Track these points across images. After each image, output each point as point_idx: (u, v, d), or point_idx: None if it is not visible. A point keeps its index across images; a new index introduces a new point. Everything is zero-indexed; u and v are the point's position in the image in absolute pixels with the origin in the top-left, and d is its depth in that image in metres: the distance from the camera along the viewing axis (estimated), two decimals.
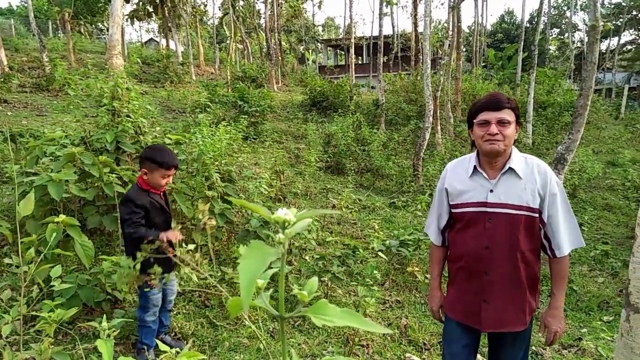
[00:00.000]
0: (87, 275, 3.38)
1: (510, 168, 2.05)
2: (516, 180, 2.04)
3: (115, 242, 4.29)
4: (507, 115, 2.02)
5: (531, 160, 2.11)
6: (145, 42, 44.54)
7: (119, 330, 1.98)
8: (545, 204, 2.03)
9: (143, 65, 16.98)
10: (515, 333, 2.14)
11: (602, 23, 5.67)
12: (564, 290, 2.16)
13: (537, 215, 2.04)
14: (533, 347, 3.97)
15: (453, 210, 2.20)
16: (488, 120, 2.03)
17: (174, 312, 3.71)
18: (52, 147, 4.42)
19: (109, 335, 1.67)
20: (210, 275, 3.95)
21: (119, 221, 2.92)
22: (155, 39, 43.01)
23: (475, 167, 2.13)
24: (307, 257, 4.66)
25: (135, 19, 22.72)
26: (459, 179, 2.18)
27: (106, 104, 4.77)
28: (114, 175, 4.10)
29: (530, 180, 2.03)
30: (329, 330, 3.75)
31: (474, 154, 2.19)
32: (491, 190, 2.07)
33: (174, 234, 2.80)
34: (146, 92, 12.95)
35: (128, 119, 4.83)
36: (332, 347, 3.45)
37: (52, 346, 1.93)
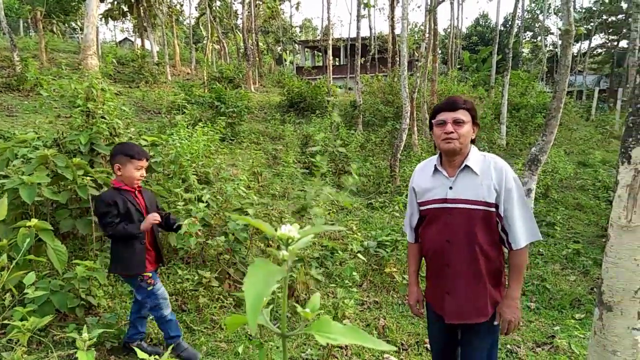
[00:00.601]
0: (60, 281, 3.30)
1: (466, 165, 2.16)
2: (473, 177, 2.16)
3: (89, 246, 4.20)
4: (463, 115, 2.15)
5: (489, 158, 2.22)
6: (120, 42, 43.81)
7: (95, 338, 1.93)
8: (501, 198, 2.12)
9: (117, 65, 16.69)
10: (479, 325, 2.22)
11: (575, 27, 5.80)
12: (520, 282, 2.23)
13: (494, 209, 2.14)
14: (508, 345, 4.04)
15: (420, 208, 2.34)
16: (445, 120, 2.16)
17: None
18: (24, 149, 4.31)
19: (94, 348, 1.63)
20: (187, 279, 3.91)
21: (99, 223, 2.87)
22: (130, 38, 42.34)
23: (435, 166, 2.26)
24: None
25: (109, 18, 22.33)
26: (424, 178, 2.32)
27: (80, 105, 4.67)
28: (88, 177, 4.02)
29: (487, 176, 2.14)
30: (307, 333, 3.73)
31: (437, 156, 2.32)
32: (450, 187, 2.19)
33: (153, 217, 2.80)
34: (120, 93, 12.74)
35: (103, 120, 4.74)
36: (311, 349, 3.45)
37: (26, 355, 1.87)
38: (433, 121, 2.24)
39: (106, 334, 3.15)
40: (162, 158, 5.07)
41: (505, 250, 2.27)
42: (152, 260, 3.05)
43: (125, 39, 45.77)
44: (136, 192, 3.00)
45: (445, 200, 2.20)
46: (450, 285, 2.22)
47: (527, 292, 5.55)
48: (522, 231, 2.15)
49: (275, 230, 0.85)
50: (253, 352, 3.37)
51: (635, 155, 2.22)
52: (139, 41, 26.89)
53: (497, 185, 2.12)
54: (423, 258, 2.47)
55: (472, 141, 2.26)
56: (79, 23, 25.97)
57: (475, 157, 2.20)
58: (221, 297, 3.98)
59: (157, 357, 1.94)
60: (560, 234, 7.82)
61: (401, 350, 3.76)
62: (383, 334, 4.00)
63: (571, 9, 5.58)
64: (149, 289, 2.92)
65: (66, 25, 27.25)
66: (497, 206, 2.14)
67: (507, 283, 2.28)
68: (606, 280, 2.37)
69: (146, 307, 3.01)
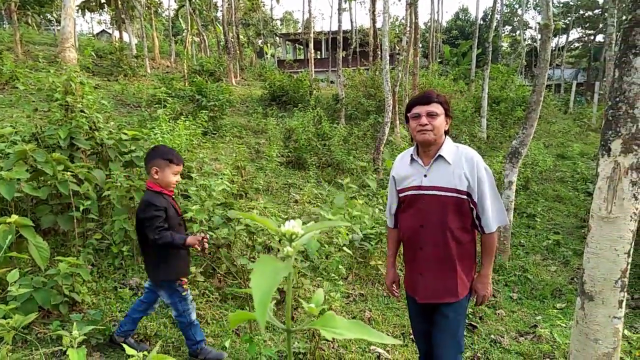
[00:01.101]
0: (42, 278, 3.24)
1: (440, 155, 2.33)
2: (446, 166, 2.32)
3: (71, 242, 4.14)
4: (436, 108, 2.32)
5: (462, 149, 2.38)
6: (97, 34, 42.96)
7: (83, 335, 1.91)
8: (473, 187, 2.28)
9: (96, 58, 16.37)
10: (447, 305, 2.37)
11: (553, 22, 5.88)
12: (491, 261, 2.43)
13: (465, 197, 2.30)
14: (492, 336, 4.11)
15: (399, 195, 2.50)
16: (419, 113, 2.33)
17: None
18: (1, 144, 4.22)
19: (80, 344, 1.61)
20: None
21: (148, 227, 2.74)
22: (108, 30, 41.57)
23: (412, 155, 2.44)
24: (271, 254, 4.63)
25: (86, 10, 21.89)
26: (403, 167, 2.50)
27: (59, 99, 4.58)
28: (68, 172, 3.95)
29: (458, 166, 2.30)
30: (294, 326, 3.75)
31: (414, 147, 2.51)
32: (425, 175, 2.36)
33: (201, 237, 2.78)
34: (99, 86, 12.50)
35: (82, 114, 4.66)
36: (298, 342, 3.46)
37: (10, 354, 1.84)
38: (409, 114, 2.41)
39: (91, 330, 3.11)
40: (144, 152, 5.00)
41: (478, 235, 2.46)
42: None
43: (103, 31, 44.90)
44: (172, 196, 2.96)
45: (420, 187, 2.36)
46: (423, 267, 2.38)
47: (510, 283, 5.65)
48: (493, 217, 2.33)
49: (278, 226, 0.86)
50: (240, 347, 3.37)
51: (614, 148, 2.27)
52: (116, 33, 26.42)
53: (468, 175, 2.28)
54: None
55: (446, 132, 2.41)
56: (54, 15, 25.36)
57: (449, 148, 2.37)
58: (207, 292, 3.96)
59: (145, 353, 1.93)
60: (541, 225, 7.97)
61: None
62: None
63: (550, 4, 5.65)
64: (183, 293, 2.90)
65: (42, 17, 26.59)
66: (468, 194, 2.29)
67: (479, 264, 2.46)
68: (587, 270, 2.42)
69: (178, 311, 2.96)
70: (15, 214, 3.34)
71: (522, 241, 7.14)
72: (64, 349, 2.78)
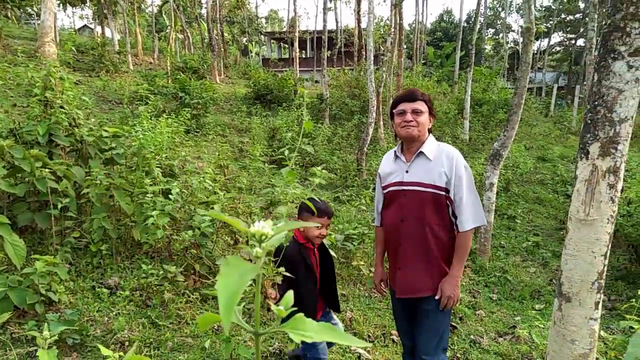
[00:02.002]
0: (18, 277, 3.18)
1: (421, 152, 2.39)
2: (427, 162, 2.38)
3: (49, 240, 4.06)
4: (421, 106, 2.39)
5: (443, 147, 2.44)
6: (79, 29, 42.29)
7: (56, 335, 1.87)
8: (452, 185, 2.32)
9: (77, 53, 16.10)
10: (427, 301, 2.38)
11: (535, 25, 5.96)
12: (462, 262, 2.41)
13: (443, 193, 2.35)
14: (471, 336, 4.15)
15: (383, 191, 2.55)
16: (405, 109, 2.39)
17: (114, 313, 3.56)
18: None
19: (56, 344, 1.57)
20: (152, 274, 3.83)
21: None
22: (90, 26, 40.92)
23: (395, 152, 2.52)
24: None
25: (68, 4, 21.52)
26: (387, 164, 2.57)
27: (38, 94, 4.49)
28: (46, 169, 3.88)
29: (439, 163, 2.36)
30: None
31: (398, 144, 2.55)
32: (407, 171, 2.43)
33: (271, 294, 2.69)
34: (80, 82, 12.30)
35: (62, 110, 4.57)
36: (278, 343, 3.45)
37: None
38: (394, 111, 2.47)
39: (68, 330, 3.05)
40: (125, 150, 4.94)
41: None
42: (321, 309, 2.91)
43: (85, 26, 44.18)
44: (315, 249, 2.83)
45: (401, 183, 2.43)
46: (402, 261, 2.42)
47: (490, 284, 5.70)
48: (470, 216, 2.35)
49: (248, 226, 0.84)
50: (220, 347, 3.34)
51: (593, 151, 2.30)
52: (99, 29, 26.03)
53: (447, 172, 2.33)
54: None
55: (429, 131, 2.47)
56: (35, 9, 24.88)
57: (431, 145, 2.43)
58: (187, 292, 3.92)
59: (121, 354, 1.90)
60: (521, 227, 8.07)
61: (367, 342, 3.81)
62: (350, 326, 4.04)
63: (532, 7, 5.73)
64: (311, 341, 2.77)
65: (21, 10, 26.09)
66: (446, 190, 2.34)
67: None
68: (565, 272, 2.45)
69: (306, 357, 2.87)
70: None
71: (502, 242, 7.22)
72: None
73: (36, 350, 2.92)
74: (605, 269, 2.38)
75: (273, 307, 0.90)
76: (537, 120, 19.18)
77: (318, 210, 2.65)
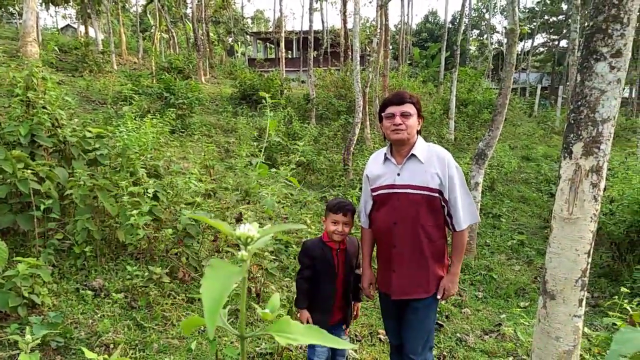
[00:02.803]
0: (0, 279, 3.12)
1: (412, 154, 2.40)
2: (418, 164, 2.39)
3: (31, 242, 4.00)
4: (409, 108, 2.39)
5: (433, 148, 2.44)
6: (62, 29, 41.73)
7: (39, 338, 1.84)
8: (445, 186, 2.34)
9: (60, 53, 15.89)
10: (418, 300, 2.42)
11: (519, 27, 6.02)
12: (460, 259, 2.48)
13: (437, 195, 2.36)
14: (457, 334, 4.18)
15: (372, 194, 2.52)
16: (393, 113, 2.39)
17: (98, 315, 3.52)
18: None
19: (39, 347, 1.54)
20: (137, 275, 3.80)
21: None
22: (73, 25, 40.42)
23: (385, 155, 2.49)
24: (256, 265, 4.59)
25: (50, 4, 21.23)
26: (376, 166, 2.54)
27: (20, 94, 4.43)
28: (28, 170, 3.82)
29: (430, 165, 2.37)
30: (262, 327, 3.72)
31: (387, 146, 2.53)
32: (398, 174, 2.42)
33: (304, 317, 2.68)
34: (63, 82, 12.15)
35: (44, 110, 4.51)
36: (265, 344, 3.43)
37: None
38: (382, 114, 2.46)
39: (52, 333, 3.01)
40: (109, 151, 4.88)
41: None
42: (337, 318, 2.82)
43: (68, 25, 43.63)
44: (337, 248, 2.72)
45: (393, 186, 2.41)
46: (396, 264, 2.41)
47: (475, 282, 5.75)
48: (464, 216, 2.38)
49: (234, 229, 0.83)
50: (205, 349, 3.32)
51: (576, 151, 2.32)
52: (82, 28, 25.73)
53: (440, 174, 2.34)
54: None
55: (418, 132, 2.47)
56: (17, 8, 24.50)
57: (421, 147, 2.43)
58: (172, 293, 3.89)
59: (106, 356, 1.87)
60: (506, 226, 8.15)
61: (355, 341, 3.82)
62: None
63: (516, 9, 5.79)
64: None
65: (2, 10, 25.68)
66: (440, 192, 2.35)
67: (449, 261, 2.49)
68: (549, 270, 2.48)
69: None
70: None
71: (487, 241, 7.28)
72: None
73: (18, 354, 2.87)
74: (589, 266, 2.41)
75: (259, 310, 0.89)
76: (521, 120, 19.39)
77: (331, 206, 2.67)
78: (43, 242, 4.06)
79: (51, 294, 3.57)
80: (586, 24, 2.38)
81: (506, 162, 11.22)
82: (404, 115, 2.37)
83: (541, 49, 40.96)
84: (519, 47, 36.55)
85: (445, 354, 3.83)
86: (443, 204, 2.38)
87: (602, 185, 2.30)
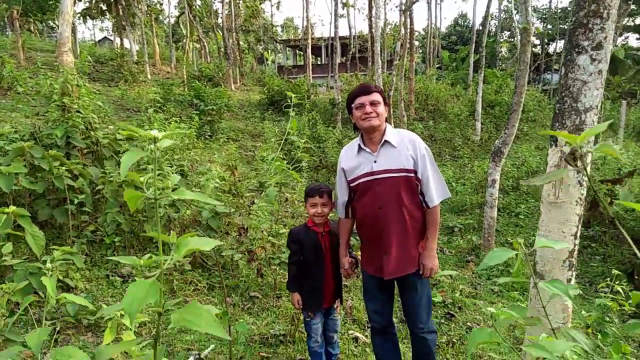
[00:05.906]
0: (38, 264, 3.45)
1: (385, 141, 2.57)
2: (392, 149, 2.56)
3: (67, 234, 4.35)
4: (376, 97, 2.56)
5: (403, 132, 2.66)
6: (99, 41, 43.43)
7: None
8: (418, 165, 2.53)
9: (96, 64, 16.66)
10: (413, 275, 2.61)
11: (534, 26, 6.10)
12: (435, 235, 2.65)
13: (412, 174, 2.54)
14: (468, 323, 4.30)
15: (351, 185, 2.68)
16: (363, 102, 2.55)
17: None
18: (1, 141, 4.44)
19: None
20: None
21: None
22: (110, 37, 41.99)
23: (359, 145, 2.64)
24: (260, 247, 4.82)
25: (87, 17, 22.23)
26: (350, 158, 2.68)
27: (56, 100, 4.81)
28: (63, 168, 4.17)
29: (403, 147, 2.55)
30: (277, 312, 3.95)
31: (359, 137, 2.70)
32: (375, 161, 2.57)
33: (295, 298, 2.95)
34: (99, 91, 12.77)
35: (78, 114, 4.88)
36: (279, 326, 3.66)
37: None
38: (352, 105, 2.63)
39: (83, 311, 3.31)
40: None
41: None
42: (329, 298, 3.04)
43: (105, 38, 45.38)
44: (322, 231, 2.94)
45: (372, 173, 2.56)
46: (387, 246, 2.57)
47: (492, 277, 5.82)
48: (436, 192, 2.56)
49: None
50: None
51: (561, 139, 2.47)
52: (118, 40, 26.77)
53: (413, 154, 2.52)
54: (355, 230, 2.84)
55: (386, 120, 2.65)
56: (56, 22, 25.73)
57: (392, 133, 2.62)
58: (194, 280, 4.17)
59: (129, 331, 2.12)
60: (528, 224, 8.15)
61: (366, 327, 3.99)
62: (350, 313, 4.23)
63: (529, 9, 5.88)
64: (307, 319, 3.00)
65: (44, 24, 26.99)
66: (414, 171, 2.53)
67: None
68: (539, 251, 2.62)
69: (329, 334, 3.12)
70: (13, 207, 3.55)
71: (508, 239, 7.32)
72: (57, 328, 3.00)
73: (54, 329, 3.18)
74: (576, 247, 2.54)
75: (173, 316, 1.12)
76: (550, 122, 19.07)
77: (308, 191, 2.91)
78: (77, 233, 4.41)
79: (83, 279, 3.89)
80: (570, 20, 2.53)
81: (533, 162, 11.16)
82: (373, 103, 2.54)
83: None
84: (551, 47, 35.95)
85: (454, 340, 3.96)
86: (417, 182, 2.55)
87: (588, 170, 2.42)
